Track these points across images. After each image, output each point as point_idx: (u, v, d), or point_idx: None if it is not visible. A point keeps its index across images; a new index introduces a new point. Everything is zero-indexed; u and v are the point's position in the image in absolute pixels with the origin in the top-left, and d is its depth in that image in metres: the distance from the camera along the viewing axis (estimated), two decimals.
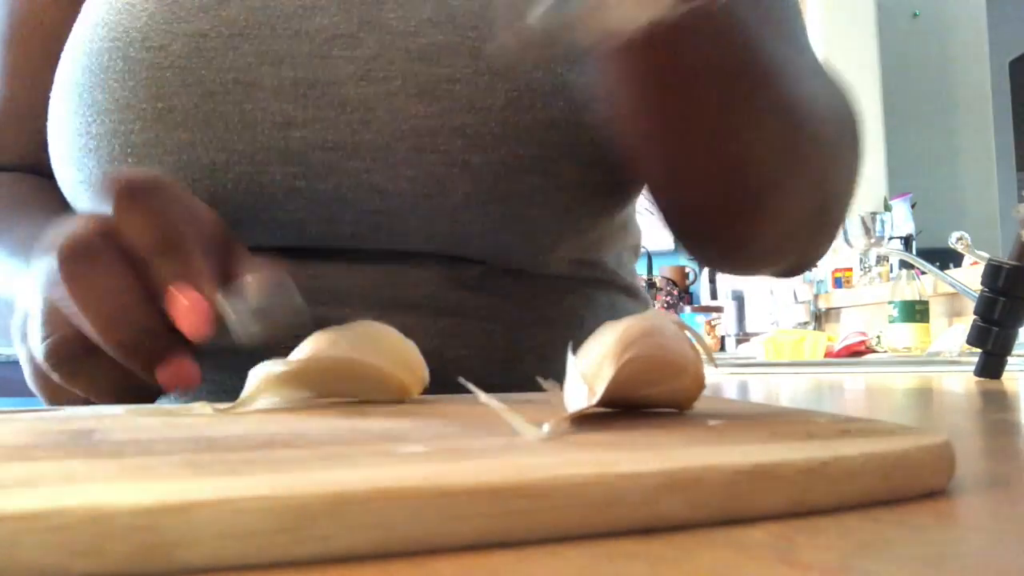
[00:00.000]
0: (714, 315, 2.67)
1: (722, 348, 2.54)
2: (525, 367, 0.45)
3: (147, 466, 0.17)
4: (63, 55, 0.46)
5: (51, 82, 0.47)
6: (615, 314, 0.51)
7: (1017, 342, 0.64)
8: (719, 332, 2.60)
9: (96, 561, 0.13)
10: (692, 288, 3.06)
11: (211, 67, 0.42)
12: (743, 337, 2.46)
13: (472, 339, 0.45)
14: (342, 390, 0.32)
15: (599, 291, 0.52)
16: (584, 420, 0.24)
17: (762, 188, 0.42)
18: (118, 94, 0.42)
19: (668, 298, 2.90)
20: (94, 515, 0.13)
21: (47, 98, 0.47)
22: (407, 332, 0.41)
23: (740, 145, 0.40)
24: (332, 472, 0.16)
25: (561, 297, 0.49)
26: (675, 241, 0.51)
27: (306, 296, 0.41)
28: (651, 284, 2.89)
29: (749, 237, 0.46)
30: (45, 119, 0.47)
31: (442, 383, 0.40)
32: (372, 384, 0.32)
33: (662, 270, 3.00)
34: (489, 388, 0.44)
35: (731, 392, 0.65)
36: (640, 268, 2.67)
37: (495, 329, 0.45)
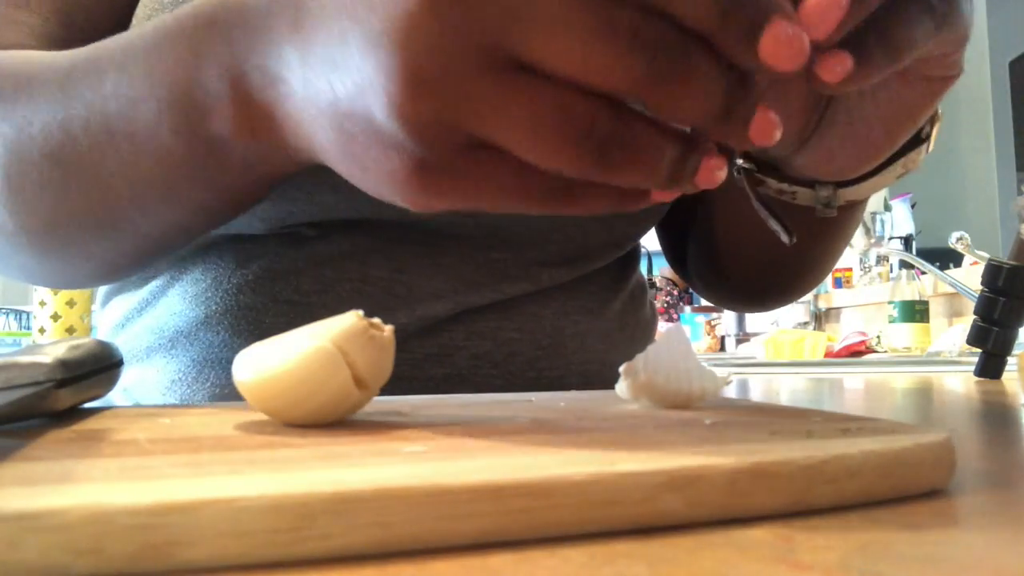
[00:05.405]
0: (714, 315, 2.66)
1: (722, 348, 2.54)
2: (567, 351, 0.50)
3: (147, 466, 0.17)
4: None
5: None
6: (637, 306, 0.58)
7: (1017, 342, 0.64)
8: (719, 332, 2.59)
9: (97, 560, 0.13)
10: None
11: None
12: (743, 337, 2.46)
13: (523, 322, 0.49)
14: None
15: (629, 283, 0.58)
16: (584, 419, 0.24)
17: (816, 280, 0.56)
18: None
19: (668, 298, 2.90)
20: (95, 515, 0.13)
21: None
22: (469, 314, 0.47)
23: (824, 270, 0.55)
24: (332, 471, 0.16)
25: (600, 288, 0.54)
26: (692, 281, 0.66)
27: (381, 273, 0.46)
28: (651, 284, 2.88)
29: (774, 306, 0.61)
30: None
31: (493, 362, 0.48)
32: None
33: (662, 270, 2.99)
34: (536, 369, 0.49)
35: (731, 392, 0.64)
36: (640, 268, 2.66)
37: (545, 314, 0.50)
